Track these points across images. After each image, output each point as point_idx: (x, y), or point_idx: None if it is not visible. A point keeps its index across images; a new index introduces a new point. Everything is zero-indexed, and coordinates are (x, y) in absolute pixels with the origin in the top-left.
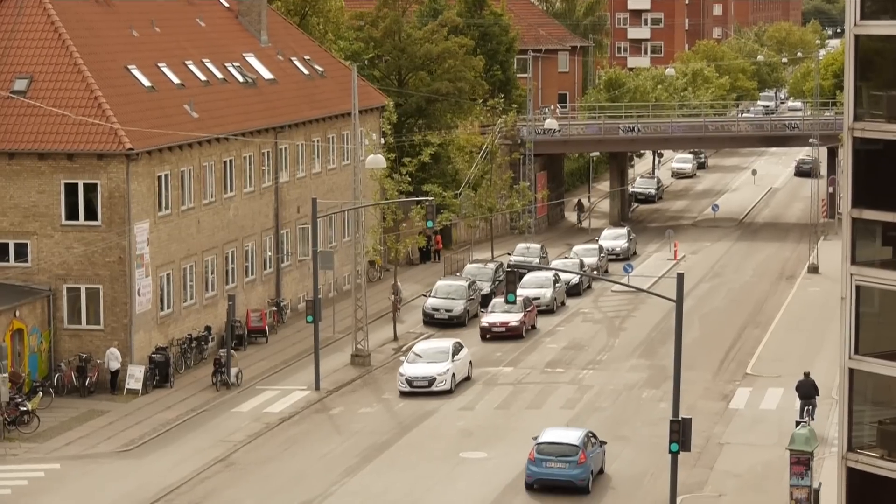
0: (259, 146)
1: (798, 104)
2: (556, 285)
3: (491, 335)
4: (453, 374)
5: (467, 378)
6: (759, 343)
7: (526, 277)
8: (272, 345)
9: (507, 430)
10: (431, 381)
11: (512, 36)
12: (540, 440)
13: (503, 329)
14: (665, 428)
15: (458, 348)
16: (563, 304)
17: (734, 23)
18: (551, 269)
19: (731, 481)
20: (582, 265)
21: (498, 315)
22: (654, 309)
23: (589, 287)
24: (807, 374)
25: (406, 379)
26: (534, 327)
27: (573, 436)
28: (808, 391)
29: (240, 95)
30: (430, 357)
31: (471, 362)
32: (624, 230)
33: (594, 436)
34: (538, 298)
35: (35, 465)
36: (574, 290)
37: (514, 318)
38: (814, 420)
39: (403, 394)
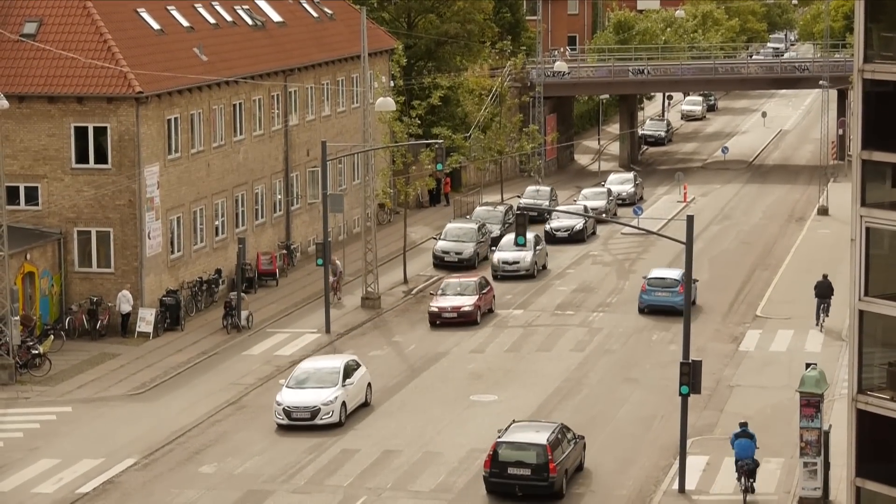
0: (269, 89)
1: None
2: (538, 248)
3: (441, 321)
4: (343, 403)
5: (365, 404)
6: (768, 285)
7: (505, 239)
8: (282, 288)
9: (517, 372)
10: (315, 412)
11: None
12: (650, 276)
13: (454, 315)
14: (675, 370)
15: (351, 368)
16: (544, 267)
17: None
18: (556, 210)
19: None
20: (585, 210)
21: (449, 299)
22: (664, 251)
23: (594, 234)
24: (825, 276)
25: (284, 409)
26: (491, 311)
27: (675, 273)
28: (824, 291)
29: (249, 38)
30: (316, 380)
31: (369, 384)
32: (630, 175)
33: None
34: (517, 262)
35: (47, 409)
36: (578, 237)
37: (467, 303)
38: (828, 317)
39: (283, 427)
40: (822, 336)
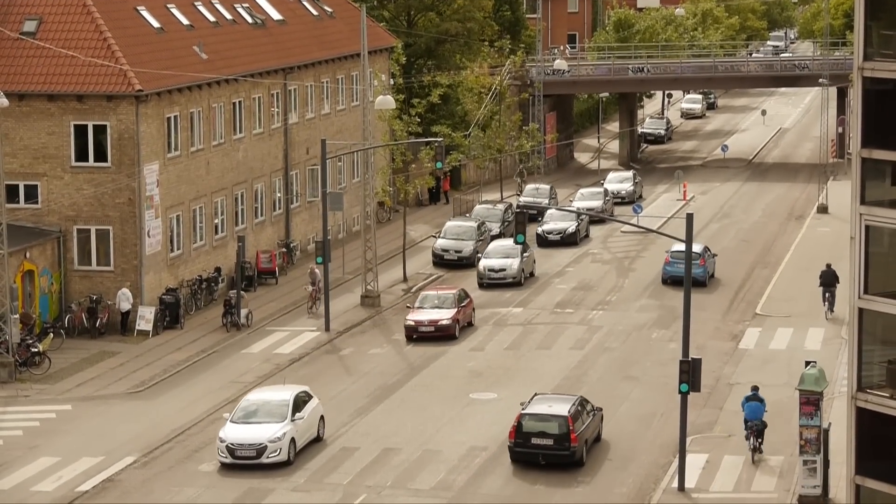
0: (268, 87)
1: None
2: (524, 255)
3: (418, 335)
4: (293, 440)
5: (318, 439)
6: (768, 283)
7: (491, 246)
8: (282, 286)
9: (516, 370)
10: (261, 449)
11: None
12: (672, 249)
13: (432, 329)
14: (674, 368)
15: (301, 401)
16: (531, 274)
17: None
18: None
19: (740, 421)
20: (578, 216)
21: (426, 312)
22: (664, 249)
23: (586, 236)
24: (829, 265)
25: (227, 446)
26: (470, 324)
27: (697, 247)
28: (829, 280)
29: (249, 36)
30: (263, 414)
31: (322, 417)
32: (629, 173)
33: (708, 248)
34: (503, 270)
35: (46, 407)
36: (570, 240)
37: (444, 316)
38: (833, 311)
39: (227, 466)
40: (822, 333)
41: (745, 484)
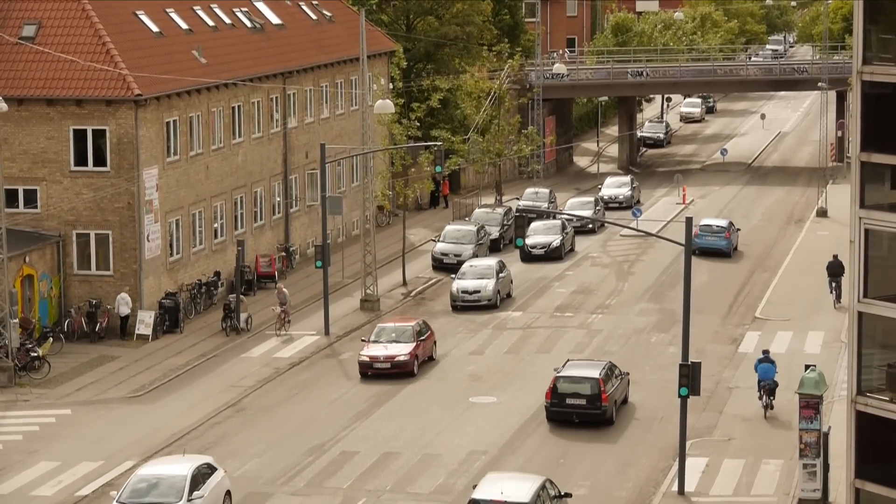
0: (267, 92)
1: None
2: (500, 275)
3: (373, 372)
4: None
5: None
6: (767, 287)
7: (465, 266)
8: None
9: (516, 374)
10: None
11: None
12: (701, 223)
13: (387, 365)
14: (674, 372)
15: (202, 476)
16: (508, 295)
17: None
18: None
19: (740, 425)
20: (563, 227)
21: (382, 347)
22: (663, 253)
23: (572, 250)
24: (835, 256)
25: None
26: (431, 359)
27: (723, 222)
28: (836, 269)
29: (248, 41)
30: (155, 494)
31: (228, 493)
32: (627, 178)
33: (732, 223)
34: (478, 292)
35: (46, 411)
36: (555, 254)
37: (402, 352)
38: (841, 301)
39: None
40: (822, 337)
41: (745, 487)
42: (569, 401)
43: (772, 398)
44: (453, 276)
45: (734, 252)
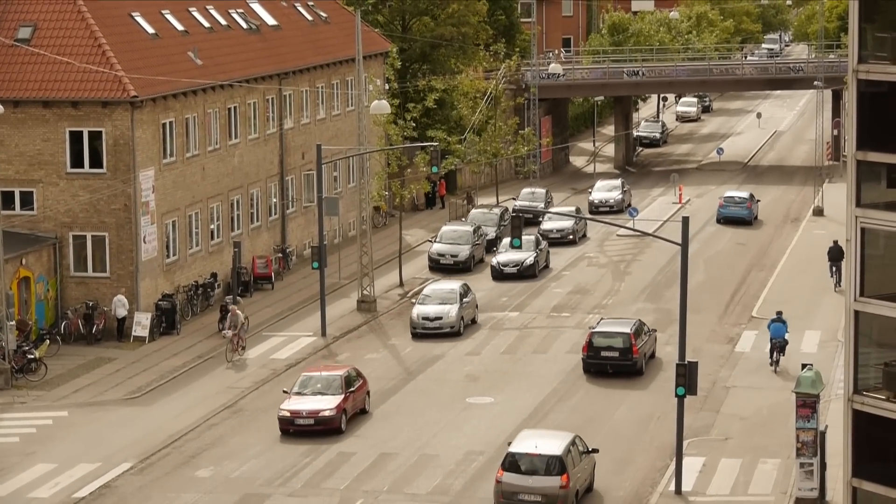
0: (263, 93)
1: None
2: (465, 300)
3: (294, 429)
4: None
5: None
6: (764, 286)
7: (428, 289)
8: (278, 291)
9: (513, 374)
10: None
11: None
12: (725, 195)
13: (311, 421)
14: (671, 371)
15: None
16: (473, 321)
17: None
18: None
19: (737, 424)
20: (537, 243)
21: (306, 400)
22: (660, 253)
23: (546, 267)
24: (836, 242)
25: None
26: (364, 411)
27: (745, 193)
28: (836, 255)
29: (244, 42)
30: None
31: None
32: (618, 181)
33: (753, 195)
34: (440, 318)
35: (43, 413)
36: (528, 272)
37: (328, 406)
38: (841, 284)
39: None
40: (819, 336)
41: (742, 487)
42: (603, 353)
43: (781, 355)
44: (413, 301)
45: (755, 221)
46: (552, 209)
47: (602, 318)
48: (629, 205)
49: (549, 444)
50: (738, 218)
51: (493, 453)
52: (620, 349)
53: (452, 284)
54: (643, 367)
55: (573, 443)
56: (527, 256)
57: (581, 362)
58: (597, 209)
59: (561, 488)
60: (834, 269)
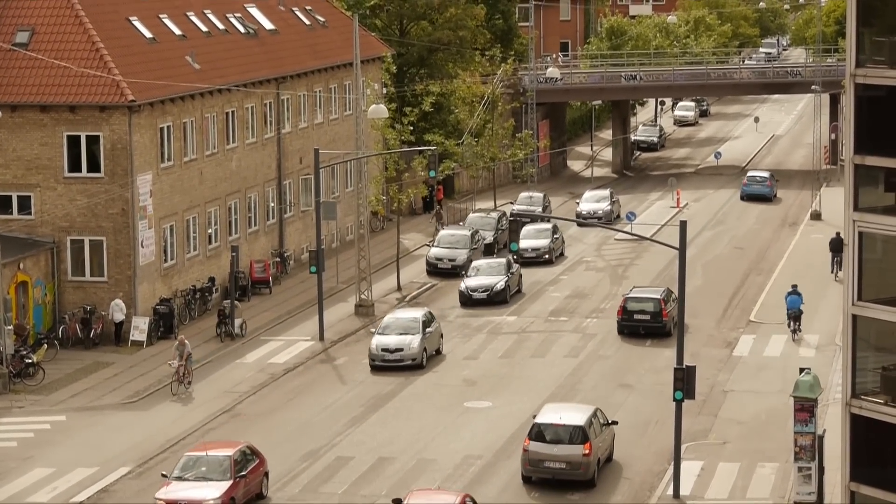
0: (261, 97)
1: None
2: (428, 330)
3: None
4: None
5: None
6: (762, 290)
7: (388, 318)
8: (276, 295)
9: (511, 378)
10: None
11: None
12: (748, 174)
13: None
14: (669, 375)
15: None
16: (437, 352)
17: None
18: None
19: (735, 428)
20: (509, 266)
21: (187, 488)
22: (657, 257)
23: (519, 291)
24: (838, 233)
25: None
26: (260, 496)
27: (766, 173)
28: (837, 246)
29: (241, 46)
30: None
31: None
32: (606, 192)
33: (773, 174)
34: (400, 350)
35: (41, 418)
36: (499, 297)
37: (210, 496)
38: (839, 273)
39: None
40: (816, 340)
41: (741, 491)
42: (636, 316)
43: (798, 324)
44: (373, 330)
45: (774, 198)
46: (548, 213)
47: (634, 287)
48: (618, 216)
49: (573, 415)
50: (760, 195)
51: (492, 458)
52: (651, 313)
53: (415, 313)
54: (672, 330)
55: (594, 415)
56: (497, 281)
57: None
58: (585, 220)
59: (584, 456)
60: (836, 259)
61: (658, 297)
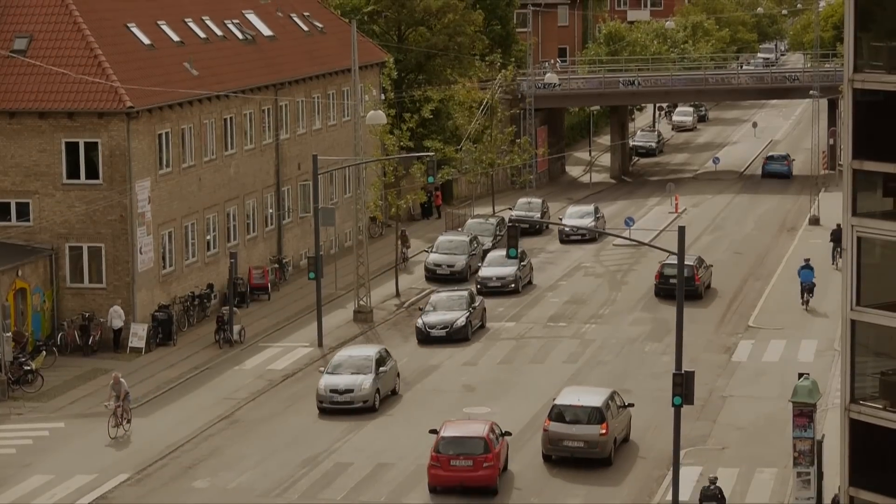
0: (259, 103)
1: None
2: (381, 369)
3: None
4: None
5: None
6: (760, 295)
7: (339, 356)
8: (274, 302)
9: (510, 384)
10: None
11: None
12: (768, 155)
13: None
14: (668, 381)
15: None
16: (393, 392)
17: None
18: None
19: (734, 434)
20: (471, 300)
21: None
22: (656, 262)
23: (482, 326)
24: (839, 225)
25: None
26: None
27: (783, 153)
28: (839, 236)
29: (239, 52)
30: None
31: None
32: (591, 207)
33: (789, 154)
34: (350, 392)
35: (39, 424)
36: (459, 335)
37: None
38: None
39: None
40: (815, 345)
41: (740, 496)
42: (671, 280)
43: (810, 295)
44: (322, 369)
45: (792, 177)
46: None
47: (669, 254)
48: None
49: (591, 397)
50: (779, 173)
51: None
52: (686, 277)
53: (368, 351)
54: (703, 293)
55: (611, 397)
56: (458, 317)
57: None
58: (567, 237)
59: (601, 435)
60: (838, 249)
61: (692, 263)
